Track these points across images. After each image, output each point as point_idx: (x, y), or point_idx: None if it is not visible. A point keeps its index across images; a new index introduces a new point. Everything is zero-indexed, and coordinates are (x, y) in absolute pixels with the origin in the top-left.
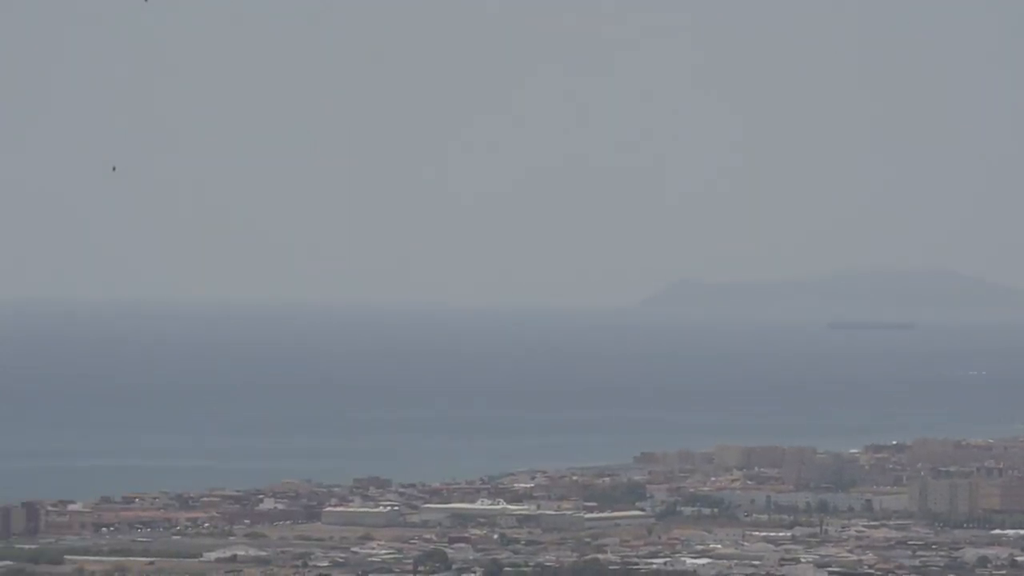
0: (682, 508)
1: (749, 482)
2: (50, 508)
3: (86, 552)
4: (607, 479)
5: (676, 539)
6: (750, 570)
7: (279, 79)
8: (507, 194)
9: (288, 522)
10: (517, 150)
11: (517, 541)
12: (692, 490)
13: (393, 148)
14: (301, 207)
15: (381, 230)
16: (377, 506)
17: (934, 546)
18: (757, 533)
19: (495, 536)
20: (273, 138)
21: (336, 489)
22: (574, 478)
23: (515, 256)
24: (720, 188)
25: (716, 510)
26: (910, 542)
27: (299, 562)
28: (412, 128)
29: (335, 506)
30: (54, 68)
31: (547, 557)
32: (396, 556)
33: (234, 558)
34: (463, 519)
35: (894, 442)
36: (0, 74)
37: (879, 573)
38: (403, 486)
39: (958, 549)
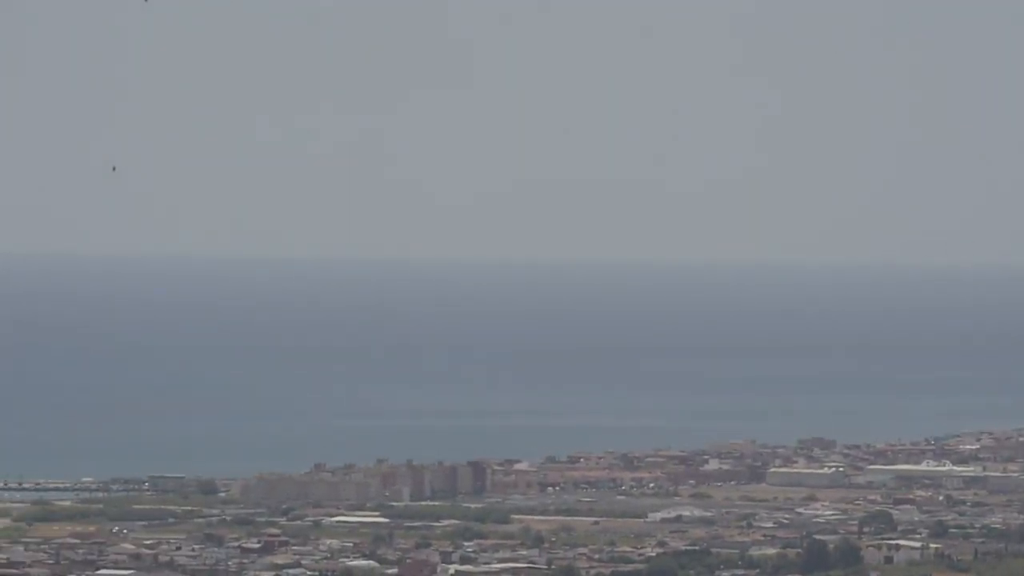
0: None
1: None
2: (496, 467)
3: (531, 512)
4: None
5: None
6: None
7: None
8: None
9: (732, 482)
10: None
11: (963, 503)
12: None
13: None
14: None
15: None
16: (822, 467)
17: None
18: None
19: (940, 498)
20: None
21: (780, 450)
22: (1021, 439)
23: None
24: None
25: None
26: None
27: (743, 523)
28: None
29: (779, 467)
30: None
31: (993, 519)
32: (840, 517)
33: (679, 518)
34: (908, 480)
35: None
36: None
37: None
38: (847, 447)
39: None
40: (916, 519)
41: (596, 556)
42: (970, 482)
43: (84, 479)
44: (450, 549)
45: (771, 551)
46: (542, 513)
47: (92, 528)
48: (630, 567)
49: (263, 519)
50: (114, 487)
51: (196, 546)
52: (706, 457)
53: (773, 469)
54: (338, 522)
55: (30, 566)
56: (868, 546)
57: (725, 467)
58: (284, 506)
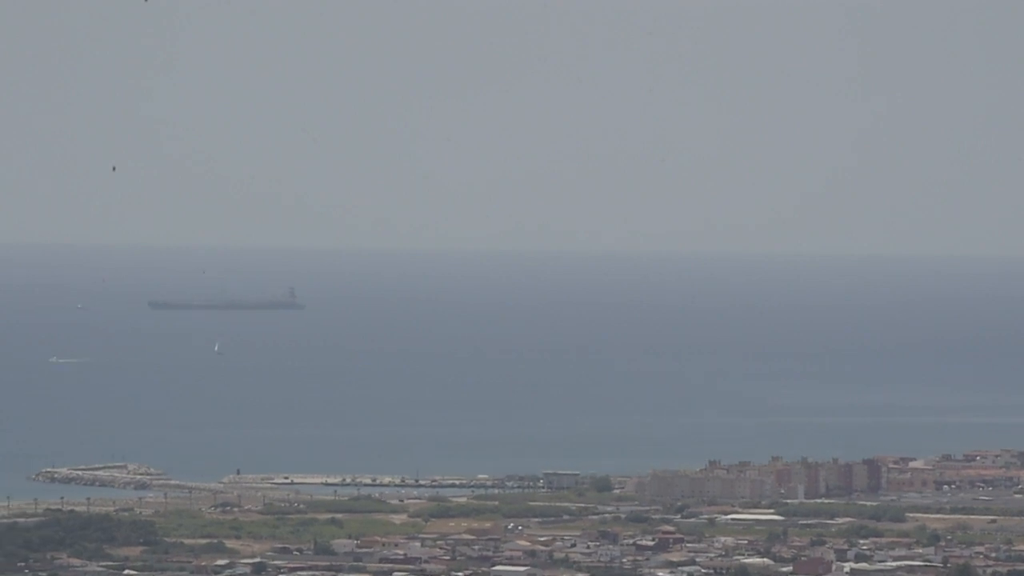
0: None
1: None
2: (891, 465)
3: (927, 510)
4: None
5: None
6: None
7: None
8: None
9: None
10: None
11: None
12: None
13: None
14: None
15: None
16: None
17: None
18: None
19: None
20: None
21: None
22: None
23: None
24: None
25: None
26: None
27: None
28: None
29: None
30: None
31: None
32: None
33: None
34: None
35: None
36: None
37: None
38: None
39: None
40: None
41: (993, 555)
42: None
43: (480, 476)
44: (845, 547)
45: None
46: (938, 511)
47: (488, 524)
48: None
49: (657, 516)
50: (509, 484)
51: (591, 543)
52: None
53: None
54: (733, 519)
55: (426, 562)
56: None
57: None
58: (678, 503)
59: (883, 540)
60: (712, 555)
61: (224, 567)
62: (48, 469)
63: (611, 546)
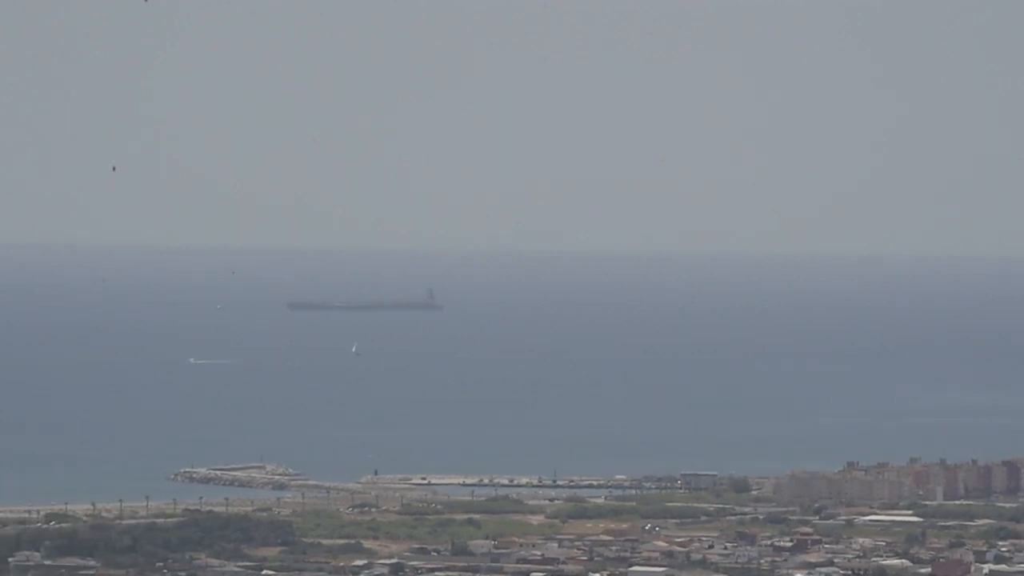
0: None
1: None
2: None
3: None
4: None
5: None
6: None
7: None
8: None
9: None
10: None
11: None
12: None
13: None
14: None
15: None
16: None
17: None
18: None
19: None
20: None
21: None
22: None
23: None
24: None
25: None
26: None
27: None
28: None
29: None
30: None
31: None
32: None
33: None
34: None
35: None
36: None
37: None
38: None
39: None
40: None
41: None
42: None
43: (617, 477)
44: (984, 549)
45: None
46: None
47: (625, 525)
48: None
49: (795, 517)
50: (647, 485)
51: (728, 544)
52: None
53: None
54: (871, 521)
55: (564, 563)
56: None
57: None
58: (816, 504)
59: (1022, 542)
60: (850, 556)
61: (362, 567)
62: (187, 469)
63: (749, 547)
